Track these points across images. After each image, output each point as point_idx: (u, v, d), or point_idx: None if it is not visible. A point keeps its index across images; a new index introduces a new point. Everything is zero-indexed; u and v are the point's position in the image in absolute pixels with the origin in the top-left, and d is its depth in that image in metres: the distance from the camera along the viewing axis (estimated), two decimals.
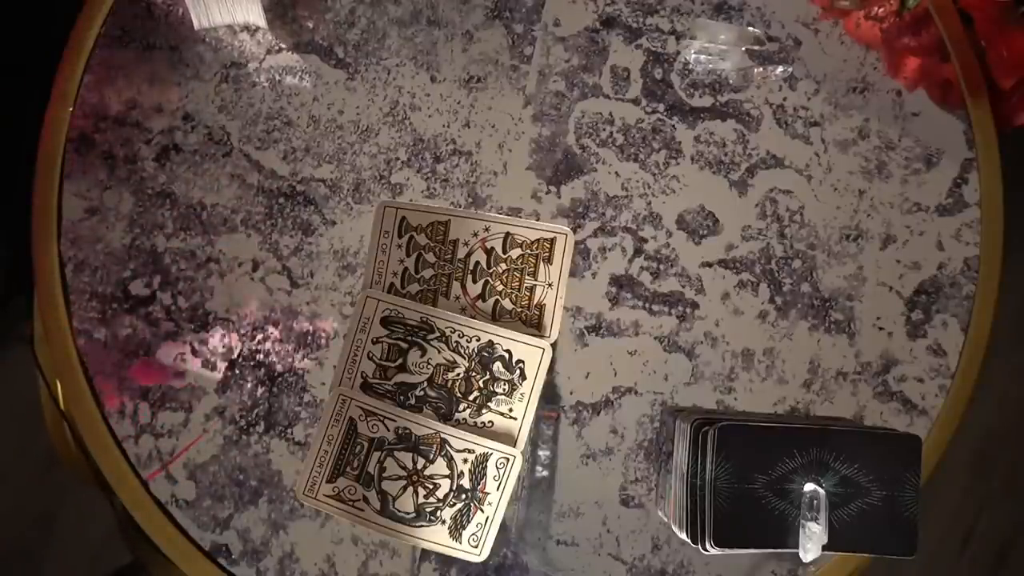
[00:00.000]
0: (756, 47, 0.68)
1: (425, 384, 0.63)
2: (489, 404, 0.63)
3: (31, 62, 0.70)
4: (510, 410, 0.63)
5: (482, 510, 0.62)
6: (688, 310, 0.65)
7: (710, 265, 0.66)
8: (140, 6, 0.67)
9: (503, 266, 0.64)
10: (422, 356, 0.63)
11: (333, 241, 0.65)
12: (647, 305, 0.65)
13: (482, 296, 0.64)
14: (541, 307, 0.64)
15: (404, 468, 0.62)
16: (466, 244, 0.65)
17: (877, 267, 0.66)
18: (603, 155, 0.67)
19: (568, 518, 0.64)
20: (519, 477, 0.62)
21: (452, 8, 0.67)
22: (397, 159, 0.66)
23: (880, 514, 0.56)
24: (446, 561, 0.63)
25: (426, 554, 0.63)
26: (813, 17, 0.68)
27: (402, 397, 0.63)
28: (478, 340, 0.63)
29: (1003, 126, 0.69)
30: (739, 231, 0.66)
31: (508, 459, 0.62)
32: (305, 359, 0.64)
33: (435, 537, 0.62)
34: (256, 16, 0.65)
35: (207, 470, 0.63)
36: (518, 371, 0.63)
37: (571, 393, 0.65)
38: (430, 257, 0.64)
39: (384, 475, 0.62)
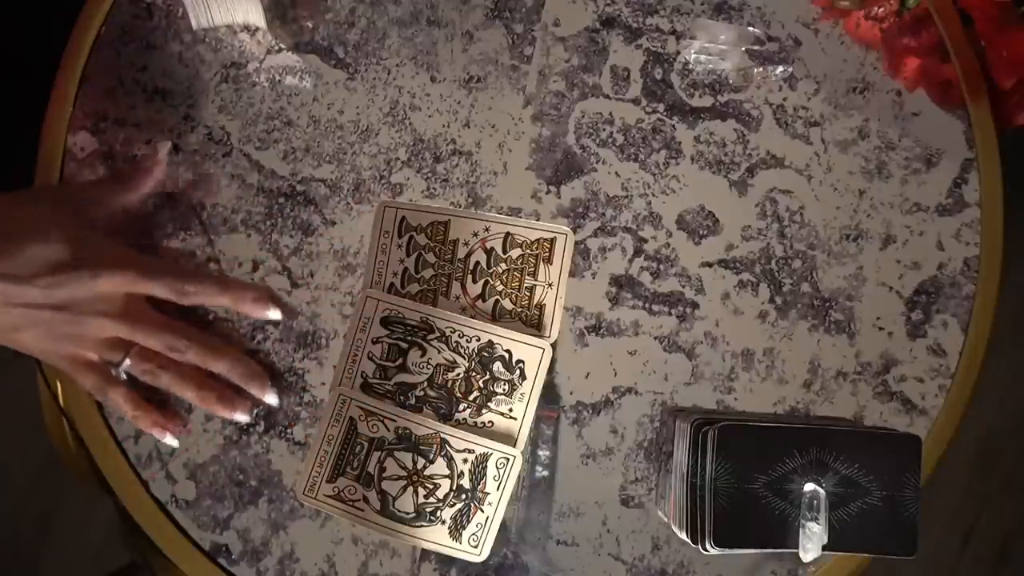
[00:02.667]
0: (756, 47, 0.68)
1: (425, 384, 0.63)
2: (489, 404, 0.63)
3: (31, 62, 0.70)
4: (510, 410, 0.63)
5: (482, 510, 0.62)
6: (688, 310, 0.65)
7: (710, 265, 0.66)
8: (140, 6, 0.67)
9: (503, 266, 0.64)
10: (422, 356, 0.63)
11: (333, 241, 0.65)
12: (647, 305, 0.65)
13: (482, 296, 0.64)
14: (541, 307, 0.64)
15: (404, 468, 0.62)
16: (466, 244, 0.65)
17: (877, 267, 0.66)
18: (603, 155, 0.67)
19: (568, 518, 0.64)
20: (519, 477, 0.62)
21: (452, 8, 0.67)
22: (397, 159, 0.66)
23: (880, 514, 0.56)
24: (446, 561, 0.63)
25: (426, 554, 0.63)
26: (813, 17, 0.68)
27: (402, 397, 0.63)
28: (478, 340, 0.63)
29: (1003, 126, 0.69)
30: (739, 231, 0.66)
31: (508, 459, 0.62)
32: (305, 359, 0.64)
33: (435, 537, 0.62)
34: (256, 16, 0.65)
35: (207, 470, 0.63)
36: (518, 371, 0.63)
37: (571, 393, 0.65)
38: (430, 257, 0.64)
39: (384, 475, 0.62)
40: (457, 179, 0.66)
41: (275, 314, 0.63)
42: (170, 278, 0.59)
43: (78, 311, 0.55)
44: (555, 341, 0.64)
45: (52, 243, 0.53)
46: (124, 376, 0.60)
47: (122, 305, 0.57)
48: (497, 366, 0.63)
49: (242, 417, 0.62)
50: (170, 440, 0.62)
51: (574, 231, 0.65)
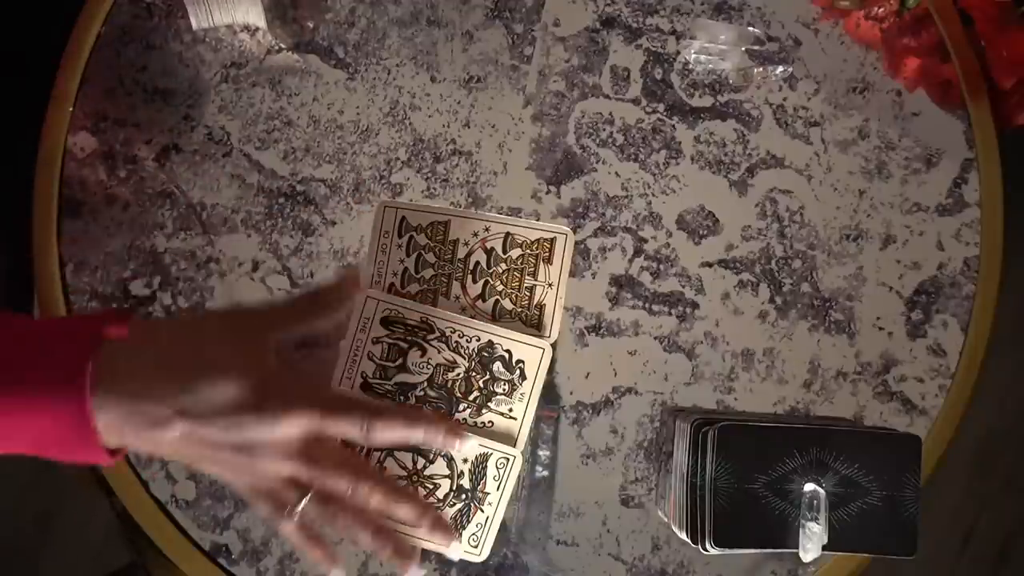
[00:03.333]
0: (756, 47, 0.68)
1: (425, 384, 0.63)
2: (489, 404, 0.63)
3: (31, 62, 0.70)
4: (510, 410, 0.63)
5: (482, 510, 0.62)
6: (688, 310, 0.65)
7: (710, 265, 0.66)
8: (140, 6, 0.67)
9: (503, 266, 0.64)
10: (422, 356, 0.63)
11: (333, 241, 0.65)
12: (647, 305, 0.65)
13: (482, 296, 0.64)
14: (541, 307, 0.64)
15: (404, 468, 0.62)
16: (466, 244, 0.65)
17: (877, 267, 0.66)
18: (603, 155, 0.67)
19: (568, 518, 0.64)
20: (519, 477, 0.62)
21: (452, 8, 0.67)
22: (397, 159, 0.66)
23: (880, 514, 0.56)
24: (446, 561, 0.63)
25: (426, 554, 0.63)
26: (813, 17, 0.68)
27: (402, 397, 0.63)
28: (478, 340, 0.63)
29: (1003, 126, 0.69)
30: (739, 231, 0.66)
31: (508, 459, 0.62)
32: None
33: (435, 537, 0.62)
34: (256, 16, 0.65)
35: None
36: (518, 371, 0.63)
37: (571, 393, 0.65)
38: (430, 257, 0.64)
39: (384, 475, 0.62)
40: (457, 179, 0.66)
41: (469, 445, 0.60)
42: (356, 418, 0.54)
43: (258, 453, 0.51)
44: (555, 341, 0.64)
45: (234, 381, 0.51)
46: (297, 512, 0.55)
47: (303, 444, 0.53)
48: (497, 366, 0.63)
49: (417, 572, 0.57)
50: (338, 573, 0.57)
51: (574, 231, 0.65)
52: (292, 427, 0.51)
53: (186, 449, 0.51)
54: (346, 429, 0.54)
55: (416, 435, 0.56)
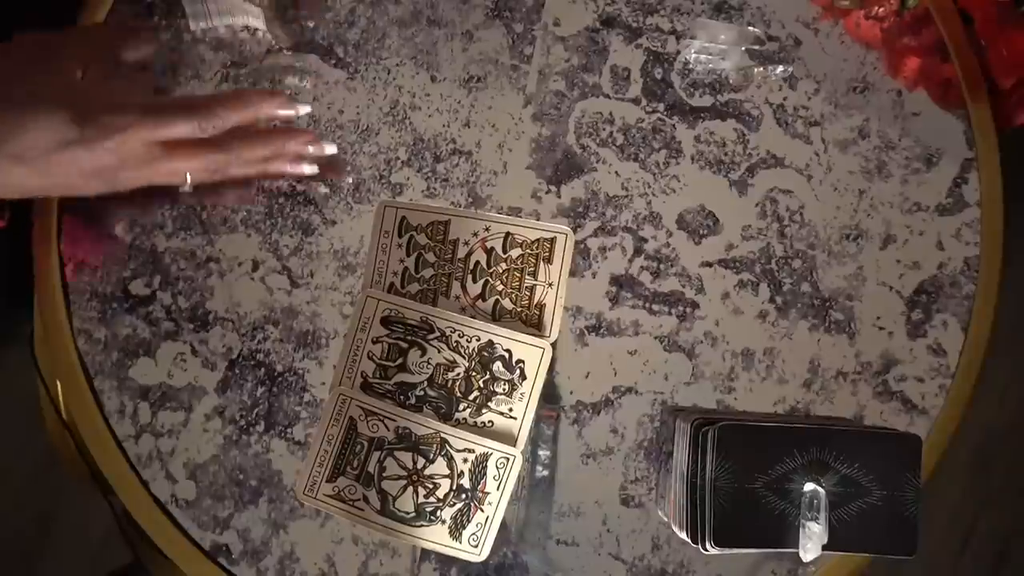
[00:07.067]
0: (756, 47, 0.68)
1: (425, 384, 0.63)
2: (489, 404, 0.63)
3: None
4: (510, 410, 0.63)
5: (482, 510, 0.62)
6: (688, 310, 0.65)
7: (710, 265, 0.66)
8: (140, 6, 0.67)
9: (503, 266, 0.64)
10: (422, 356, 0.63)
11: (333, 241, 0.65)
12: (647, 305, 0.65)
13: (482, 296, 0.64)
14: (541, 307, 0.64)
15: (404, 468, 0.62)
16: (466, 244, 0.65)
17: (877, 267, 0.66)
18: (603, 155, 0.67)
19: (568, 518, 0.64)
20: (519, 477, 0.62)
21: (452, 8, 0.67)
22: (397, 159, 0.66)
23: (880, 514, 0.56)
24: (446, 561, 0.63)
25: (426, 554, 0.63)
26: (813, 17, 0.68)
27: (402, 397, 0.63)
28: (478, 340, 0.63)
29: (1003, 126, 0.69)
30: (739, 231, 0.66)
31: (508, 459, 0.62)
32: (305, 359, 0.64)
33: (435, 537, 0.62)
34: (256, 17, 0.65)
35: (207, 470, 0.63)
36: (518, 371, 0.63)
37: (571, 393, 0.65)
38: (430, 257, 0.64)
39: (384, 475, 0.62)
40: (457, 179, 0.66)
41: (304, 108, 0.63)
42: (186, 115, 0.57)
43: (108, 174, 0.54)
44: (555, 341, 0.64)
45: (48, 118, 0.52)
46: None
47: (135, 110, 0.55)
48: (497, 366, 0.63)
49: (330, 148, 0.63)
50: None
51: (574, 231, 0.65)
52: (126, 145, 0.53)
53: (40, 191, 0.53)
54: (180, 129, 0.56)
55: (251, 113, 0.60)
